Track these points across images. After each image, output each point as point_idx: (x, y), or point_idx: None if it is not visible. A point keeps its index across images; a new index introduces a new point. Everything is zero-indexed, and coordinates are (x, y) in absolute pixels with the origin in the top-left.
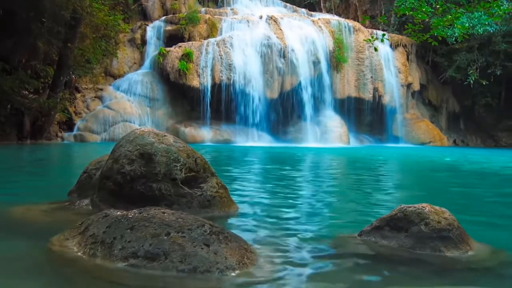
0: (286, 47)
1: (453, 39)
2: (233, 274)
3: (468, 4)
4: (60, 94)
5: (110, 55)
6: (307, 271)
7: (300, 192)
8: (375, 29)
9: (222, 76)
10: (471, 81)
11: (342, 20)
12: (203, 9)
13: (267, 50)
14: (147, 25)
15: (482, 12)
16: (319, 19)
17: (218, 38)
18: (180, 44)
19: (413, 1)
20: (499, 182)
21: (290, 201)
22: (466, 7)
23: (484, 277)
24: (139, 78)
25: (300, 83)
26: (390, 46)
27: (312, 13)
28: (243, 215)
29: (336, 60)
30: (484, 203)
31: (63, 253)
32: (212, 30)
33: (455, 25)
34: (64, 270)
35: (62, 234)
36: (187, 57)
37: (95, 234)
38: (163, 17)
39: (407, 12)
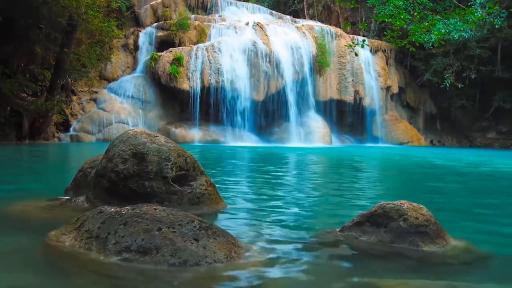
0: (271, 52)
1: (430, 45)
2: (221, 267)
3: (444, 11)
4: (57, 97)
5: (104, 59)
6: (291, 264)
7: (285, 190)
8: (356, 35)
9: (211, 80)
10: (447, 84)
11: (324, 26)
12: (192, 16)
13: (253, 54)
14: (140, 31)
15: (458, 19)
16: (303, 25)
17: (207, 43)
18: (171, 49)
19: (392, 9)
20: (475, 180)
21: (276, 198)
22: (443, 14)
23: (459, 270)
24: (132, 82)
25: (285, 86)
26: (370, 51)
27: (296, 19)
28: (231, 211)
29: (319, 64)
30: (460, 200)
31: (60, 247)
32: (201, 36)
33: (432, 31)
34: (60, 264)
35: (59, 229)
36: (177, 61)
37: (90, 230)
38: (155, 24)
39: (386, 19)
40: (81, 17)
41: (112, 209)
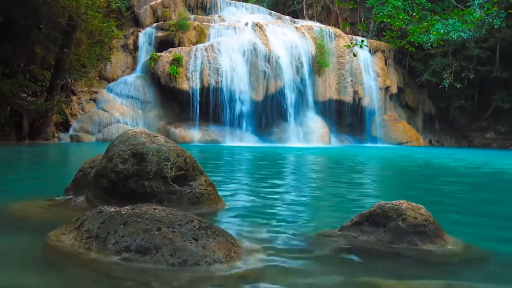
0: (270, 52)
1: (429, 45)
2: (220, 267)
3: (443, 11)
4: (57, 97)
5: (104, 59)
6: (290, 264)
7: (284, 189)
8: (355, 35)
9: (210, 80)
10: (446, 85)
11: (323, 26)
12: (192, 16)
13: (252, 55)
14: (139, 31)
15: (456, 19)
16: (302, 25)
17: (207, 43)
18: (170, 49)
19: (390, 9)
20: (473, 180)
21: (275, 198)
22: (441, 14)
23: (458, 270)
24: (131, 82)
25: (284, 86)
26: (369, 51)
27: (296, 20)
28: (230, 211)
29: (318, 65)
30: (459, 200)
31: (60, 247)
32: (201, 36)
33: (431, 31)
34: (60, 263)
35: (58, 229)
36: (177, 61)
37: (90, 229)
38: (155, 24)
39: (385, 19)
40: (81, 17)
41: (112, 209)
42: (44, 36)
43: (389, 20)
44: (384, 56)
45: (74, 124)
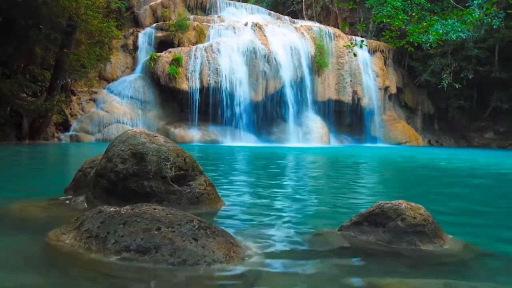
0: (270, 52)
1: (428, 45)
2: (220, 266)
3: (442, 12)
4: (56, 97)
5: (104, 60)
6: (290, 264)
7: (283, 189)
8: (354, 35)
9: (209, 80)
10: (445, 85)
11: (323, 27)
12: (191, 17)
13: (252, 55)
14: (139, 31)
15: (455, 20)
16: (301, 26)
17: (206, 44)
18: (170, 49)
19: (390, 9)
20: (472, 180)
21: (274, 198)
22: (440, 14)
23: (457, 270)
24: (131, 82)
25: (283, 86)
26: (369, 51)
27: (295, 20)
28: (230, 211)
29: (317, 65)
30: (458, 200)
31: (60, 247)
32: (200, 36)
33: (430, 31)
34: (60, 263)
35: (58, 229)
36: (176, 62)
37: (90, 229)
38: (154, 24)
39: (384, 19)
40: (81, 17)
41: (112, 209)
42: (44, 36)
43: (388, 20)
44: (383, 56)
45: (74, 124)
